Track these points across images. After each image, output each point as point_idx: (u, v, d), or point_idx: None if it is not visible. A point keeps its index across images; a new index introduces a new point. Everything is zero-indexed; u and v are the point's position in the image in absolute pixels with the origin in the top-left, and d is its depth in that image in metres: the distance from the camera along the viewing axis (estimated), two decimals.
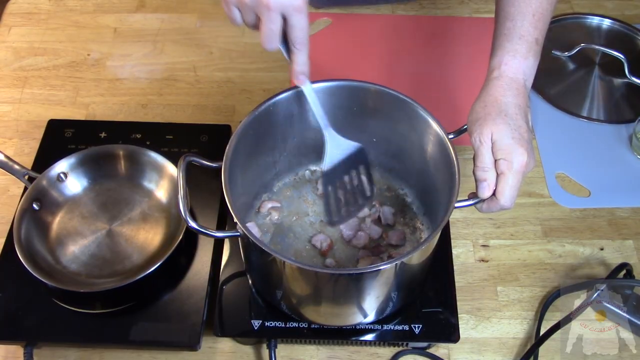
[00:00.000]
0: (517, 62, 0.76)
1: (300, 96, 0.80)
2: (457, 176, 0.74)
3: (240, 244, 0.83)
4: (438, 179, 0.81)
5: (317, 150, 0.91)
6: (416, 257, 0.75)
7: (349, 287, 0.74)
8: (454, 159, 0.75)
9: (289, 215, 0.90)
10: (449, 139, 0.77)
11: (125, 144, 0.94)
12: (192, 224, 0.70)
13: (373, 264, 0.80)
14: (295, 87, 0.78)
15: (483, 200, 0.74)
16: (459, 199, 0.73)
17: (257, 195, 0.90)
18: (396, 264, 0.70)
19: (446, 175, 0.77)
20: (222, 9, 1.26)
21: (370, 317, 0.81)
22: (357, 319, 0.81)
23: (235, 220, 0.70)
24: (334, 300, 0.78)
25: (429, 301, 0.85)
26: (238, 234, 0.72)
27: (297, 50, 0.71)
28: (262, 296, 0.85)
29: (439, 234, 0.73)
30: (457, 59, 1.18)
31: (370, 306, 0.78)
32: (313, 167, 0.93)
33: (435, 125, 0.79)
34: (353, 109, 0.85)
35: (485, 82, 0.78)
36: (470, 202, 0.74)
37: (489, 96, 0.75)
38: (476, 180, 0.73)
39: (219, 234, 0.72)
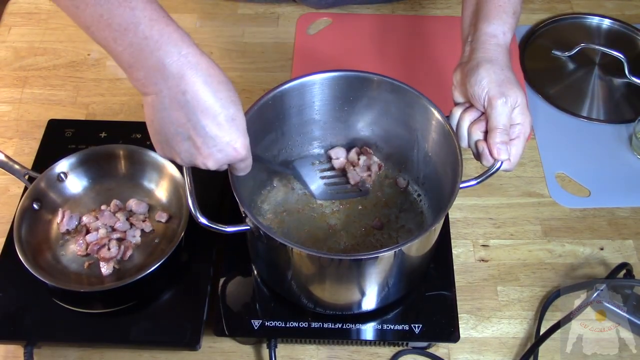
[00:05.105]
0: (511, 35, 0.79)
1: (298, 89, 0.82)
2: (459, 157, 0.75)
3: (247, 236, 0.83)
4: (439, 165, 0.83)
5: (316, 143, 0.93)
6: (419, 244, 0.76)
7: (351, 270, 0.76)
8: (457, 142, 0.77)
9: (289, 208, 0.90)
10: (449, 124, 0.79)
11: (125, 144, 0.94)
12: (204, 221, 0.70)
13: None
14: (290, 80, 0.82)
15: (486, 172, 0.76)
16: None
17: (258, 190, 0.90)
18: (398, 249, 0.72)
19: (448, 158, 0.78)
20: (222, 9, 1.27)
21: (372, 304, 0.82)
22: (359, 303, 0.81)
23: (247, 214, 0.71)
24: (337, 283, 0.79)
25: (429, 301, 0.85)
26: (248, 227, 0.72)
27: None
28: (268, 285, 0.86)
29: (443, 218, 0.74)
30: (458, 59, 1.19)
31: (371, 290, 0.79)
32: (313, 160, 0.94)
33: (435, 112, 0.80)
34: (354, 99, 0.86)
35: (483, 43, 0.78)
36: (474, 181, 0.76)
37: (499, 61, 0.76)
38: (494, 143, 0.74)
39: (230, 229, 0.72)
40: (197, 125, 0.62)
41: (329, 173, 0.91)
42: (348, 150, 0.93)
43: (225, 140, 0.64)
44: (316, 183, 0.88)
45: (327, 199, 0.89)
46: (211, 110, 0.62)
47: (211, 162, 0.66)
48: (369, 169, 0.91)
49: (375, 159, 0.92)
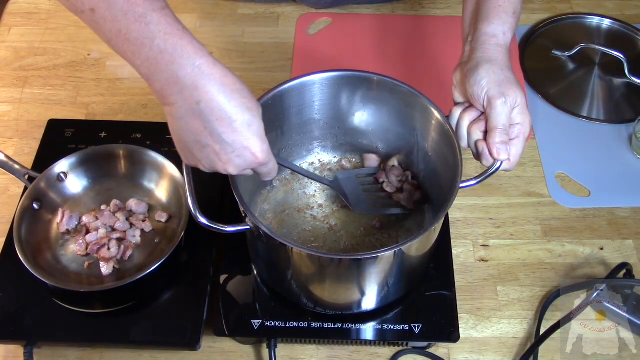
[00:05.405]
0: (511, 35, 0.79)
1: (298, 89, 0.83)
2: (459, 157, 0.75)
3: (247, 236, 0.83)
4: (439, 165, 0.83)
5: (316, 143, 0.93)
6: (419, 244, 0.76)
7: (351, 269, 0.76)
8: (456, 141, 0.77)
9: (289, 208, 0.90)
10: (449, 124, 0.79)
11: (125, 144, 0.94)
12: (204, 221, 0.71)
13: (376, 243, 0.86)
14: (290, 80, 0.82)
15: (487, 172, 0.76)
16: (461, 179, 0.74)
17: (258, 189, 0.90)
18: (398, 249, 0.72)
19: (448, 158, 0.78)
20: (222, 9, 1.27)
21: (372, 304, 0.82)
22: (359, 303, 0.82)
23: (247, 214, 0.71)
24: (337, 283, 0.79)
25: (429, 301, 0.85)
26: (248, 227, 0.72)
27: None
28: (268, 285, 0.86)
29: (442, 218, 0.74)
30: (457, 59, 1.19)
31: (371, 290, 0.79)
32: (313, 160, 0.94)
33: (435, 112, 0.80)
34: (354, 99, 0.86)
35: (483, 43, 0.78)
36: (473, 181, 0.76)
37: (499, 61, 0.76)
38: (494, 143, 0.74)
39: (230, 229, 0.72)
40: (214, 133, 0.64)
41: (370, 187, 0.89)
42: (381, 158, 0.93)
43: (243, 145, 0.65)
44: (355, 195, 0.87)
45: (365, 212, 0.88)
46: (226, 117, 0.63)
47: (231, 167, 0.67)
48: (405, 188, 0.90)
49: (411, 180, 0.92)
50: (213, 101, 0.62)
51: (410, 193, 0.89)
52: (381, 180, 0.89)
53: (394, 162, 0.90)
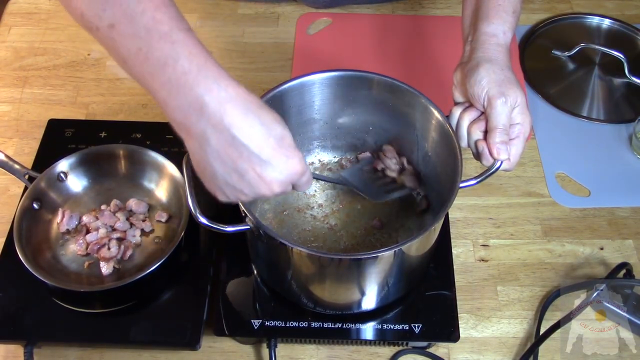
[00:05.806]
0: (511, 34, 0.79)
1: (298, 89, 0.83)
2: (459, 157, 0.75)
3: (247, 236, 0.84)
4: (439, 164, 0.83)
5: (316, 143, 0.93)
6: (419, 244, 0.76)
7: (351, 269, 0.76)
8: (456, 141, 0.77)
9: (289, 208, 0.90)
10: (449, 124, 0.79)
11: (125, 144, 0.94)
12: (204, 221, 0.70)
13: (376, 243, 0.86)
14: (290, 80, 0.82)
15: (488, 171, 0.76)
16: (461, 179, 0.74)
17: None
18: (398, 249, 0.72)
19: (448, 158, 0.78)
20: (222, 9, 1.27)
21: (372, 303, 0.82)
22: (359, 303, 0.82)
23: (247, 213, 0.71)
24: (337, 283, 0.79)
25: (429, 301, 0.85)
26: (248, 227, 0.72)
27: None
28: (268, 285, 0.86)
29: (442, 218, 0.74)
30: (457, 59, 1.19)
31: (371, 290, 0.79)
32: (313, 160, 0.94)
33: (435, 112, 0.80)
34: (354, 99, 0.86)
35: (483, 43, 0.78)
36: (473, 181, 0.76)
37: (499, 61, 0.76)
38: (494, 142, 0.74)
39: (230, 229, 0.72)
40: (252, 155, 0.60)
41: (375, 176, 0.90)
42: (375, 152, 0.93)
43: (282, 159, 0.62)
44: (367, 186, 0.87)
45: (383, 200, 0.88)
46: (260, 136, 0.60)
47: (276, 185, 0.63)
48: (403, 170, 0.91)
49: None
50: (244, 123, 0.59)
51: (411, 173, 0.89)
52: (380, 167, 0.89)
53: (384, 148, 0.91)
